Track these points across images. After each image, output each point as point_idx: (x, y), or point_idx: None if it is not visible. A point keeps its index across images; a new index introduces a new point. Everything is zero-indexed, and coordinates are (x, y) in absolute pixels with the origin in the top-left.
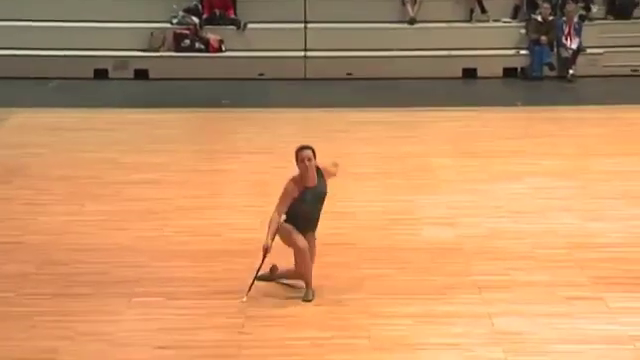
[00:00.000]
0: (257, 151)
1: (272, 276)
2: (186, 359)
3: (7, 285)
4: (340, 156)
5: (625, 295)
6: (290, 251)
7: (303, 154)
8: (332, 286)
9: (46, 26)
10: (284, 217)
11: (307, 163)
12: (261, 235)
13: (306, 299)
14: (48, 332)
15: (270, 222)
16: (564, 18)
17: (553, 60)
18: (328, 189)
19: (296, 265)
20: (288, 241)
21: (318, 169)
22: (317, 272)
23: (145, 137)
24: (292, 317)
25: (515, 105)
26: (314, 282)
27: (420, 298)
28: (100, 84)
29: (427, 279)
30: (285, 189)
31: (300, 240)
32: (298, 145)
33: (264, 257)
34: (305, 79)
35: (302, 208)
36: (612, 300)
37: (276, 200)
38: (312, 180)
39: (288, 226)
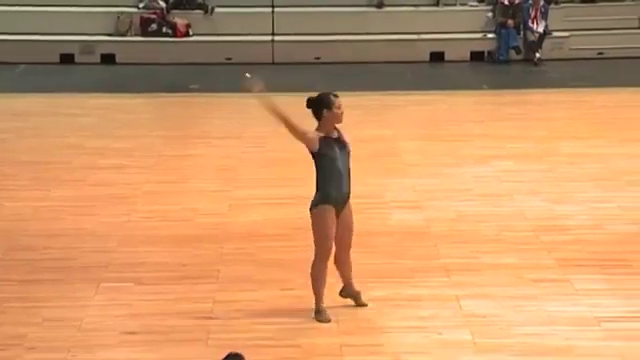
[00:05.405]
0: (226, 136)
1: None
2: (154, 344)
3: None
4: None
5: (591, 277)
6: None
7: (338, 101)
8: (300, 270)
9: (11, 10)
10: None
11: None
12: (229, 220)
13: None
14: (16, 318)
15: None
16: (531, 1)
17: (520, 43)
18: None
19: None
20: (317, 235)
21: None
22: (285, 257)
23: (112, 122)
24: (260, 302)
25: (482, 89)
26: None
27: (388, 281)
28: (66, 69)
29: (395, 262)
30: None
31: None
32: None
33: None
34: (273, 63)
35: (335, 165)
36: (578, 282)
37: (244, 185)
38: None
39: (323, 216)
